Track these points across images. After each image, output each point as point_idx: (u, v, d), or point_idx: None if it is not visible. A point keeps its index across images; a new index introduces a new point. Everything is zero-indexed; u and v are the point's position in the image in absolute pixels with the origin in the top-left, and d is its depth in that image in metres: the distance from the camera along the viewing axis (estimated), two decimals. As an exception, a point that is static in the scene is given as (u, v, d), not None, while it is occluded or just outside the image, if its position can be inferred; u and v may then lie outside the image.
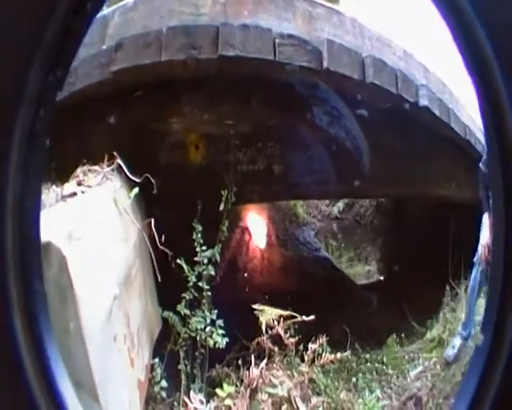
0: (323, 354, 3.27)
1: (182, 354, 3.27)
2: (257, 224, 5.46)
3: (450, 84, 4.45)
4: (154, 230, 2.99)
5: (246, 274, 4.89)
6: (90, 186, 2.57)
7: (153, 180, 2.81)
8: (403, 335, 4.56)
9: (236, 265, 4.96)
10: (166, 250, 2.84)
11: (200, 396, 2.79)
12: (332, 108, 3.90)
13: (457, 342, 3.98)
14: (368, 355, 4.42)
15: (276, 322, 3.18)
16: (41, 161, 0.68)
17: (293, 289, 4.67)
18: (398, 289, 5.63)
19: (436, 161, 4.42)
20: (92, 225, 2.22)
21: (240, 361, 3.40)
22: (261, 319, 3.09)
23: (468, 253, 4.67)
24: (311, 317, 3.17)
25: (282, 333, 3.18)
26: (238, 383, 3.31)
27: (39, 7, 0.61)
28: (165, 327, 3.37)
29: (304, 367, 3.27)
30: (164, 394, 3.11)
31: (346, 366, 4.22)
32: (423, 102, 3.76)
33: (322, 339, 3.28)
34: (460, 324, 4.28)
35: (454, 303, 4.65)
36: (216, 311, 3.29)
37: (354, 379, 4.09)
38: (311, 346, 3.26)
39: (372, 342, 4.63)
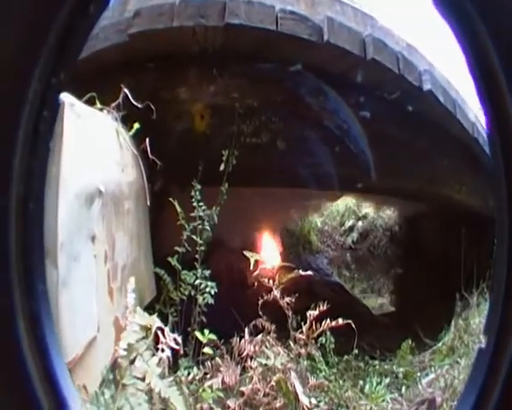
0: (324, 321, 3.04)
1: (170, 318, 3.10)
2: (269, 245, 5.39)
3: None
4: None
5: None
6: (101, 109, 2.72)
7: (153, 107, 2.91)
8: (414, 345, 4.26)
9: (245, 281, 4.82)
10: (156, 160, 2.95)
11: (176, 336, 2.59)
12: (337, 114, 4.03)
13: None
14: (377, 361, 4.13)
15: (271, 281, 3.02)
16: (44, 163, 0.69)
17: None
18: (411, 313, 5.33)
19: (443, 160, 4.36)
20: (92, 137, 2.28)
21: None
22: (250, 258, 2.93)
23: (480, 262, 4.52)
24: (309, 272, 3.00)
25: (276, 292, 3.00)
26: (229, 356, 3.12)
27: (42, 9, 0.62)
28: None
29: (301, 336, 3.04)
30: None
31: (352, 366, 3.92)
32: (427, 86, 3.80)
33: (324, 306, 3.06)
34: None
35: (466, 313, 4.42)
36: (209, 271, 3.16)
37: (361, 382, 3.76)
38: (311, 313, 3.05)
39: (383, 349, 4.30)
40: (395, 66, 3.66)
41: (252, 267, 2.96)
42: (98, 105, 2.81)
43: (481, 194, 4.77)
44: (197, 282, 3.08)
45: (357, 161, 4.11)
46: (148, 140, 2.96)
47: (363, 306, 5.96)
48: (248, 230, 3.89)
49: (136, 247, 3.02)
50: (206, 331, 2.86)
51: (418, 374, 3.96)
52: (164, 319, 3.12)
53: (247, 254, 3.00)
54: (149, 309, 3.09)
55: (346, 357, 3.95)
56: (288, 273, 3.04)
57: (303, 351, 3.07)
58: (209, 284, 3.08)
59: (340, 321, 3.00)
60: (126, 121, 2.95)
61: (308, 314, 3.03)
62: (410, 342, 4.13)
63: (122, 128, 2.91)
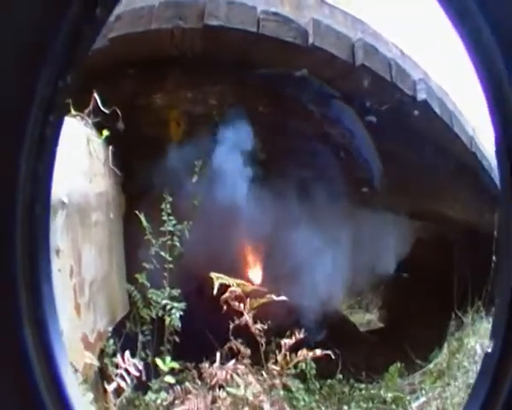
0: (300, 351, 2.81)
1: (140, 337, 2.91)
2: (253, 259, 5.12)
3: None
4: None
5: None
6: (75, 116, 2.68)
7: (119, 112, 2.82)
8: (403, 365, 4.00)
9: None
10: (115, 170, 2.88)
11: (137, 361, 2.39)
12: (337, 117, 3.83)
13: None
14: (363, 385, 3.88)
15: (241, 305, 2.79)
16: (51, 167, 0.68)
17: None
18: (400, 331, 5.10)
19: (438, 175, 4.12)
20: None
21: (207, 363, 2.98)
22: (215, 281, 2.71)
23: (475, 280, 4.30)
24: (282, 297, 2.78)
25: (247, 317, 2.77)
26: (199, 382, 2.91)
27: (49, 12, 0.61)
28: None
29: (275, 366, 2.81)
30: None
31: (336, 391, 3.70)
32: (421, 95, 3.57)
33: (299, 334, 2.84)
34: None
35: (460, 332, 4.18)
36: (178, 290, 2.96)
37: (346, 408, 3.53)
38: (285, 341, 2.82)
39: (369, 372, 4.07)
40: (387, 73, 3.43)
41: (215, 291, 2.73)
42: (73, 112, 2.67)
43: (477, 209, 4.55)
44: (164, 302, 2.86)
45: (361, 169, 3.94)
46: (111, 148, 2.77)
47: (349, 322, 5.73)
48: (226, 244, 3.67)
49: (106, 260, 2.93)
50: (168, 359, 2.65)
51: (408, 397, 3.75)
52: (134, 339, 2.97)
53: (213, 275, 2.77)
54: (120, 327, 2.97)
55: (329, 381, 3.74)
56: (260, 298, 2.81)
57: (277, 382, 2.84)
58: (175, 305, 2.86)
59: (318, 352, 2.77)
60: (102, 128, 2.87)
61: (283, 343, 2.80)
62: (398, 365, 3.89)
63: (95, 136, 2.76)
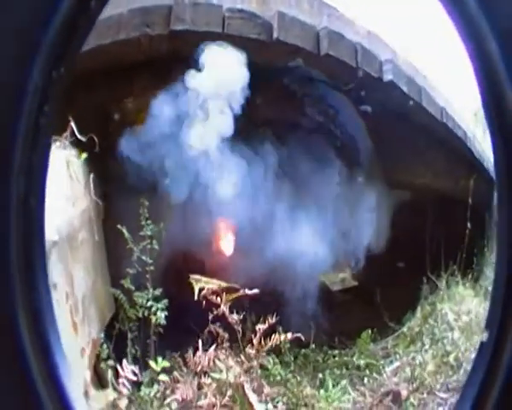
0: (274, 335, 3.09)
1: (130, 336, 3.16)
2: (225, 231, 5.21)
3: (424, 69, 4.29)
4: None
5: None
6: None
7: (96, 139, 2.84)
8: (375, 330, 4.22)
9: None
10: (98, 201, 3.00)
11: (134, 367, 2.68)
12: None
13: None
14: (336, 351, 4.11)
15: (219, 298, 3.03)
16: (45, 159, 0.68)
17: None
18: (374, 290, 5.19)
19: (409, 147, 4.22)
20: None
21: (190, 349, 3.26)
22: (195, 286, 2.95)
23: (448, 245, 4.46)
24: (255, 290, 3.01)
25: (224, 308, 3.02)
26: (185, 369, 3.19)
27: (43, 4, 0.61)
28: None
29: (251, 350, 3.10)
30: (111, 373, 3.01)
31: (310, 360, 3.96)
32: (388, 76, 3.62)
33: (273, 319, 3.10)
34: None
35: (433, 297, 4.36)
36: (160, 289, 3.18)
37: (320, 375, 3.82)
38: (260, 327, 3.09)
39: (342, 338, 4.29)
40: (352, 59, 3.47)
41: (196, 294, 2.96)
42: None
43: (451, 177, 4.69)
44: (149, 304, 3.10)
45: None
46: (92, 176, 2.89)
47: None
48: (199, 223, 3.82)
49: (92, 272, 3.05)
50: (160, 359, 2.90)
51: (382, 362, 3.94)
52: (124, 336, 3.23)
53: (193, 278, 2.99)
54: (110, 328, 3.21)
55: (303, 351, 3.95)
56: (233, 292, 3.04)
57: (255, 363, 3.14)
58: (159, 306, 3.10)
59: (290, 336, 3.04)
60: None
61: (257, 329, 3.06)
62: (369, 331, 4.10)
63: (74, 157, 2.86)
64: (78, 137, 2.78)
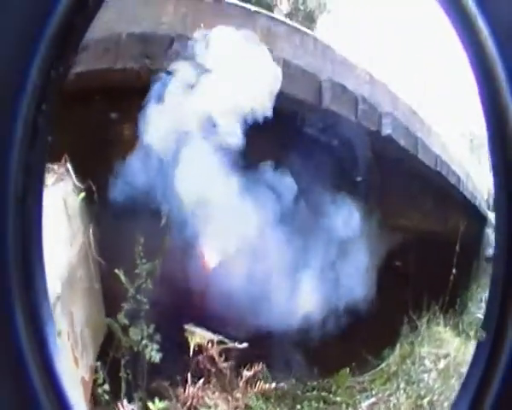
0: (259, 383, 3.18)
1: (123, 362, 3.20)
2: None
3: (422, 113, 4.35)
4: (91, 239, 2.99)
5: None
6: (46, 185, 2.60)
7: (94, 187, 2.83)
8: (353, 364, 4.26)
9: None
10: (100, 260, 2.95)
11: (134, 406, 2.74)
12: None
13: None
14: (315, 382, 4.16)
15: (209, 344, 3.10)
16: (43, 158, 0.68)
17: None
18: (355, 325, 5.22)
19: (402, 193, 4.28)
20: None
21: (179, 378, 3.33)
22: (190, 341, 3.01)
23: (431, 285, 4.55)
24: (244, 344, 3.09)
25: (216, 357, 3.09)
26: (175, 400, 3.26)
27: (42, 3, 0.62)
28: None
29: (237, 393, 3.19)
30: (107, 397, 3.07)
31: (290, 393, 4.05)
32: (386, 130, 3.67)
33: (258, 367, 3.19)
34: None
35: (413, 336, 4.45)
36: (153, 325, 3.22)
37: (299, 406, 3.92)
38: (246, 373, 3.18)
39: (321, 371, 4.34)
40: (352, 113, 3.50)
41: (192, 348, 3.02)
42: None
43: (439, 218, 4.78)
44: (144, 342, 3.14)
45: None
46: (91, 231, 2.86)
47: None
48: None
49: (88, 302, 3.06)
50: (157, 401, 2.96)
51: (358, 397, 4.03)
52: (117, 364, 3.24)
53: (189, 331, 3.04)
54: (104, 355, 3.22)
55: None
56: (224, 344, 3.11)
57: (240, 403, 3.23)
58: (154, 346, 3.14)
59: (273, 385, 3.14)
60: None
61: (244, 375, 3.15)
62: (347, 370, 4.18)
63: (70, 191, 2.83)
64: (76, 182, 2.75)
